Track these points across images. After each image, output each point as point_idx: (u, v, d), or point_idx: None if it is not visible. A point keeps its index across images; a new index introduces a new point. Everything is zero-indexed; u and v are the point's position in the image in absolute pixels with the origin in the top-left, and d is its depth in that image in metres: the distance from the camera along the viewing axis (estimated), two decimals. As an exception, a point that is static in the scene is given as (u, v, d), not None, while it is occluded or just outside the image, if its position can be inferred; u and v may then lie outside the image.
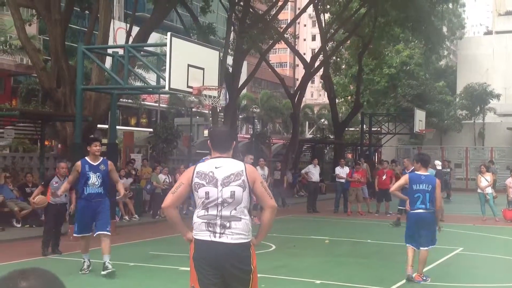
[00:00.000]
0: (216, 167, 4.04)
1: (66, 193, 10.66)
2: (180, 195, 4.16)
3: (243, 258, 4.00)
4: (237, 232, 3.98)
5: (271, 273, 8.34)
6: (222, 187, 3.99)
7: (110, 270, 8.20)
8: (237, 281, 4.00)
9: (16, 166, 16.29)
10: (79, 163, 8.60)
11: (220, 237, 3.97)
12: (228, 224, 3.98)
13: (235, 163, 4.10)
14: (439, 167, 18.50)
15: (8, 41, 29.58)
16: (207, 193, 4.02)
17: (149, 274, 8.80)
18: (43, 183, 11.34)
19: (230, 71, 24.16)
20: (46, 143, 18.87)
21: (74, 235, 8.85)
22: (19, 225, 13.58)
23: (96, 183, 8.45)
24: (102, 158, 8.73)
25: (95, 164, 8.51)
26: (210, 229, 4.01)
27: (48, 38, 19.00)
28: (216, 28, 26.54)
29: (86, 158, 8.62)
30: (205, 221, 4.03)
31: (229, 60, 24.83)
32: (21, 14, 16.86)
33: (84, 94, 13.69)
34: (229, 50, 24.84)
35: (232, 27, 25.07)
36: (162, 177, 16.82)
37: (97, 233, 8.47)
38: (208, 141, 4.26)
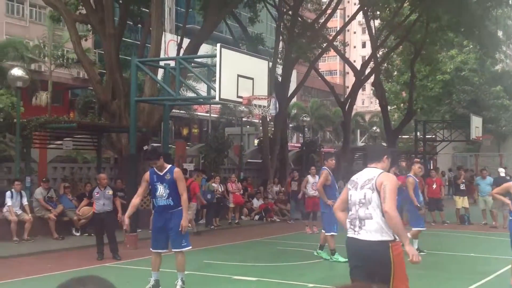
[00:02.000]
0: (361, 175, 4.86)
1: (105, 202, 10.94)
2: (343, 199, 4.99)
3: (378, 254, 4.52)
4: (370, 230, 4.58)
5: (326, 282, 8.24)
6: (360, 190, 4.72)
7: None
8: (377, 276, 4.47)
9: (74, 176, 16.82)
10: (147, 173, 8.03)
11: (358, 233, 4.64)
12: (363, 222, 4.63)
13: (374, 171, 4.80)
14: (503, 174, 17.92)
15: (65, 55, 30.72)
16: (351, 196, 4.80)
17: (203, 282, 8.88)
18: (87, 195, 11.75)
19: (280, 80, 24.20)
20: (103, 154, 19.40)
21: (151, 249, 8.08)
22: (78, 234, 13.99)
23: (164, 194, 7.74)
24: (169, 166, 7.98)
25: (161, 173, 7.81)
26: (351, 226, 4.72)
27: (103, 52, 19.60)
28: (265, 38, 26.69)
29: (154, 167, 7.95)
30: (349, 220, 4.76)
31: (279, 69, 24.89)
32: (77, 29, 17.47)
33: (137, 106, 14.01)
34: (278, 60, 24.90)
35: (281, 37, 25.13)
36: (214, 186, 16.98)
37: (172, 250, 7.94)
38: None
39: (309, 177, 15.13)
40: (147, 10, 19.25)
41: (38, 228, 13.35)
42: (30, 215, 13.15)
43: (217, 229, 16.31)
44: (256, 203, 19.36)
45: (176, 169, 8.06)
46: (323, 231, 10.86)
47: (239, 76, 11.50)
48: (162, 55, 22.57)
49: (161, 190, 7.74)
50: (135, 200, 8.08)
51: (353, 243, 4.68)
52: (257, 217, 18.99)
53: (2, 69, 24.97)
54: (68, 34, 17.87)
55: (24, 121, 14.25)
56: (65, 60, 31.01)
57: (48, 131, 15.27)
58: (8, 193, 13.10)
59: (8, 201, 13.00)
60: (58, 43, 30.85)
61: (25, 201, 13.25)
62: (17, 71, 14.46)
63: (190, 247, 8.02)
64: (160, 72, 17.16)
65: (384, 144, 36.23)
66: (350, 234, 4.73)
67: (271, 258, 11.31)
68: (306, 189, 15.12)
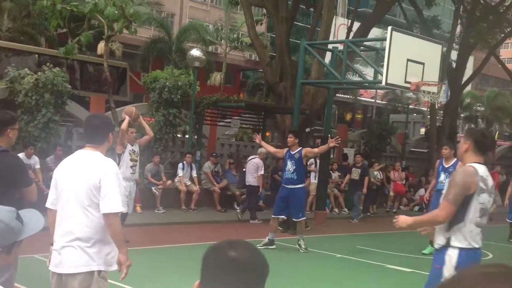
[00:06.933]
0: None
1: None
2: None
3: None
4: None
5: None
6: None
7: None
8: None
9: (239, 154, 17.66)
10: (284, 150, 10.00)
11: None
12: None
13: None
14: None
15: (240, 38, 32.21)
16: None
17: (355, 267, 8.82)
18: None
19: (454, 66, 22.84)
20: (267, 134, 20.10)
21: (272, 215, 9.95)
22: (238, 208, 14.71)
23: (290, 169, 9.50)
24: (300, 148, 9.68)
25: (292, 152, 9.61)
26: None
27: (274, 36, 20.13)
28: (441, 21, 25.28)
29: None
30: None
31: (453, 55, 23.47)
32: (252, 13, 18.12)
33: (303, 88, 14.20)
34: (454, 45, 23.46)
35: (459, 20, 23.61)
36: (374, 173, 16.68)
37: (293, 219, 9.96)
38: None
39: None
40: (320, -6, 19.29)
41: (204, 199, 14.29)
42: (198, 186, 14.13)
43: (373, 217, 16.07)
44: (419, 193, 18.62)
45: (305, 149, 9.78)
46: None
47: (408, 61, 11.12)
48: (331, 39, 22.50)
49: (289, 165, 9.46)
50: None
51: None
52: (417, 208, 18.29)
53: (183, 49, 26.95)
54: (244, 18, 18.63)
55: (199, 99, 15.27)
56: (239, 43, 32.52)
57: (219, 109, 16.19)
58: (180, 165, 14.22)
59: (180, 172, 14.09)
60: (234, 27, 32.41)
61: (194, 173, 14.25)
62: (195, 52, 15.50)
63: (305, 218, 9.74)
64: (328, 56, 17.17)
65: None
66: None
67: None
68: None
